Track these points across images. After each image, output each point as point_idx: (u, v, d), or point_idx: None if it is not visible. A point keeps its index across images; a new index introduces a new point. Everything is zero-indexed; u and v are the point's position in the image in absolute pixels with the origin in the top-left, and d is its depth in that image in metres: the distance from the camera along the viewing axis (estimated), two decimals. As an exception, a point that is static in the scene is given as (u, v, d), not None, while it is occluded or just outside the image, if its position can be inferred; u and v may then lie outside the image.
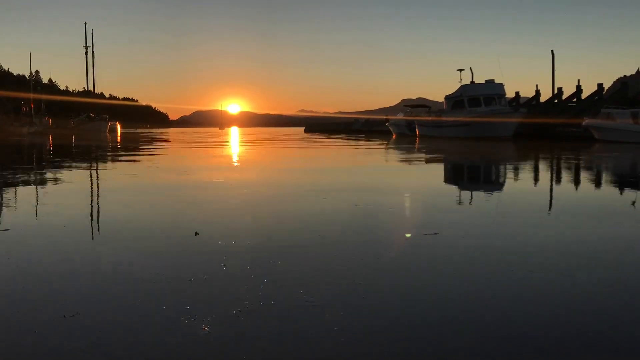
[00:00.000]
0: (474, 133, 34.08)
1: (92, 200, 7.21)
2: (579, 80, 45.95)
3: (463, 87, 38.53)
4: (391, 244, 4.40)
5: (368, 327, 2.52)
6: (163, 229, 5.02)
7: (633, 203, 6.83)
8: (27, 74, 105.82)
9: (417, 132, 43.04)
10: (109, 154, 20.41)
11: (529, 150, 20.88)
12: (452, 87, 40.72)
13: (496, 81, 37.57)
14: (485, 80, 37.76)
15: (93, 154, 20.50)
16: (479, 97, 36.46)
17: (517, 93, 49.18)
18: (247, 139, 36.90)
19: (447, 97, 39.50)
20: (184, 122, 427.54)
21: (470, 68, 40.52)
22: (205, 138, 41.89)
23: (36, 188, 8.67)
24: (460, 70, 41.26)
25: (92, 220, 5.59)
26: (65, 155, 19.71)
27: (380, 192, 7.72)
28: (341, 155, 18.78)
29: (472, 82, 39.13)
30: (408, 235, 4.64)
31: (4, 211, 6.14)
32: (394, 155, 18.36)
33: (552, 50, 48.54)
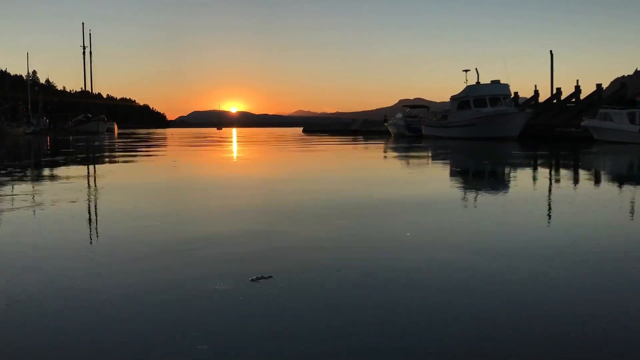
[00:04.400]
0: (480, 133, 33.78)
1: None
2: (577, 81, 45.99)
3: (469, 87, 38.07)
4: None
5: None
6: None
7: None
8: (24, 74, 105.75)
9: (422, 132, 42.69)
10: (108, 158, 20.26)
11: (541, 154, 20.05)
12: (450, 88, 40.74)
13: (501, 82, 37.21)
14: (491, 81, 37.38)
15: (93, 159, 20.32)
16: (485, 97, 36.15)
17: (515, 93, 49.08)
18: (250, 145, 36.56)
19: (453, 98, 39.11)
20: (182, 122, 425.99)
21: (476, 69, 40.22)
22: (202, 143, 41.64)
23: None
24: (466, 70, 41.02)
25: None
26: (64, 159, 19.51)
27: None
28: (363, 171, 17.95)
29: (478, 82, 38.98)
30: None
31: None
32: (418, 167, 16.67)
33: (550, 51, 48.46)
